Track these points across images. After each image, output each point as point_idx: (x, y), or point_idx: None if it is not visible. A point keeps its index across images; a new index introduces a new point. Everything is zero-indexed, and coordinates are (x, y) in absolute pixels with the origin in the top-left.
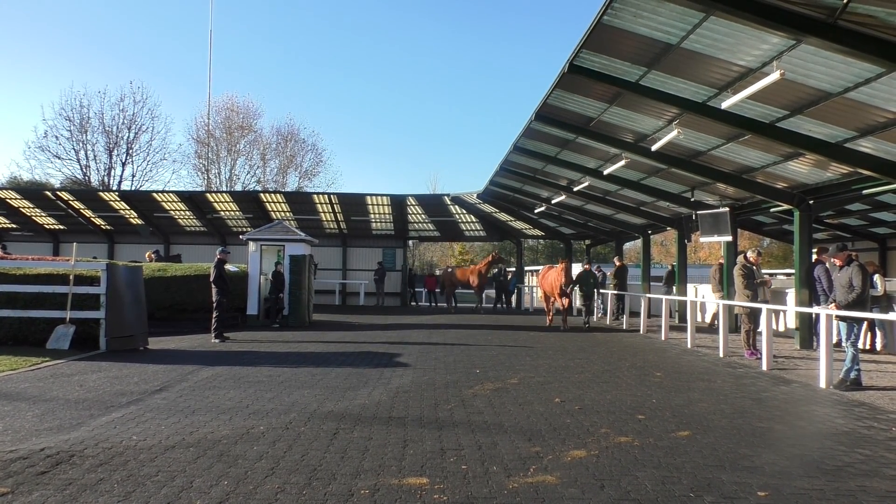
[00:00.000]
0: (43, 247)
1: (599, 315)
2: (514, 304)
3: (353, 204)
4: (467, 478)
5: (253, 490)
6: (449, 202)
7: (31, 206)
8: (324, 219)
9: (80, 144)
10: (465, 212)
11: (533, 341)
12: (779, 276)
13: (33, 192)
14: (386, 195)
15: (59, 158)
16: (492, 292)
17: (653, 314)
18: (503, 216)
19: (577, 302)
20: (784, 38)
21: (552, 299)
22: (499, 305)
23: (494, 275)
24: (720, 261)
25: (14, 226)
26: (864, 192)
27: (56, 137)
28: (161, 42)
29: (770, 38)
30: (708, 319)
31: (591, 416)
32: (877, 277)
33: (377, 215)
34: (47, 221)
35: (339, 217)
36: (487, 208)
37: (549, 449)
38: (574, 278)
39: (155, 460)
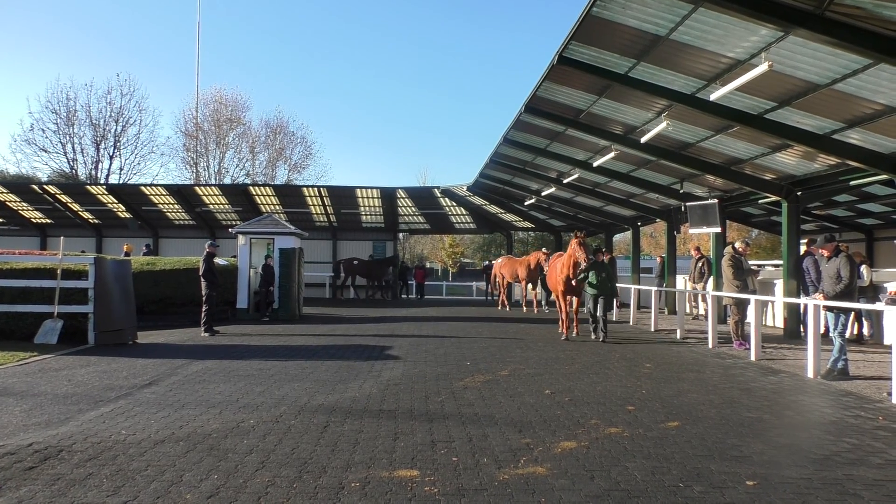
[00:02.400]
0: (30, 241)
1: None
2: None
3: (342, 197)
4: (458, 470)
5: (243, 483)
6: (439, 195)
7: (18, 199)
8: (313, 212)
9: (67, 138)
10: (455, 204)
11: (523, 333)
12: (767, 267)
13: (20, 185)
14: (376, 188)
15: (45, 152)
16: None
17: (642, 306)
18: (493, 208)
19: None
20: (772, 30)
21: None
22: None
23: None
24: (695, 253)
25: (0, 220)
26: (852, 183)
27: (42, 131)
28: (148, 33)
29: (758, 30)
30: (696, 311)
31: (582, 407)
32: (863, 268)
33: (367, 208)
34: (34, 215)
35: (329, 210)
36: (478, 201)
37: (539, 440)
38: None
39: (144, 455)
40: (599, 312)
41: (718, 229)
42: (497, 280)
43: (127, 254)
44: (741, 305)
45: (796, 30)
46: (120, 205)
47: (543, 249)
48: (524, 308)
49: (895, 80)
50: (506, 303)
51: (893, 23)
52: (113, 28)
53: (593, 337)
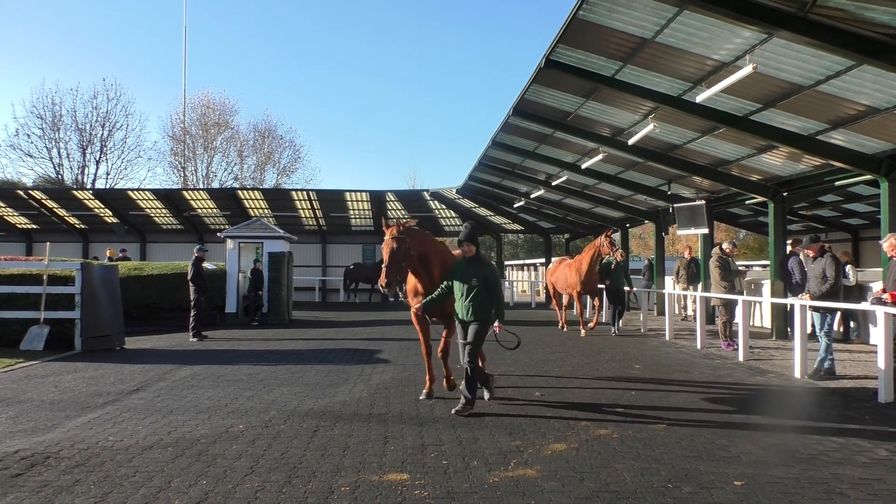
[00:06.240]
0: (16, 246)
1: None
2: None
3: (331, 200)
4: (448, 473)
5: (232, 489)
6: (428, 197)
7: (3, 205)
8: (302, 215)
9: (53, 142)
10: (444, 207)
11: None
12: (754, 268)
13: (5, 191)
14: (365, 191)
15: (31, 157)
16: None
17: (631, 307)
18: (483, 211)
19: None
20: (756, 32)
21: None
22: (617, 324)
23: (603, 266)
24: (686, 254)
25: None
26: (837, 183)
27: (28, 136)
28: (134, 38)
29: (743, 32)
30: (684, 312)
31: (571, 409)
32: (849, 268)
33: (356, 211)
34: (20, 221)
35: (318, 213)
36: (467, 203)
37: (529, 443)
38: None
39: (132, 461)
40: (465, 359)
41: (706, 230)
42: (551, 292)
43: (110, 259)
44: (729, 306)
45: (780, 32)
46: (107, 210)
47: (609, 231)
48: (581, 330)
49: (878, 81)
50: (564, 323)
51: (876, 24)
52: (99, 33)
53: (454, 410)
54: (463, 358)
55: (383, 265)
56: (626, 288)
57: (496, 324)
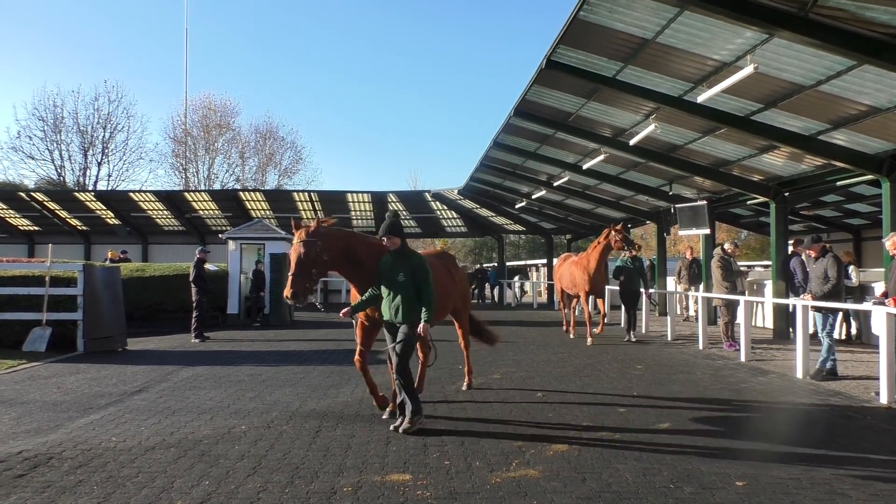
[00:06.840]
0: (18, 248)
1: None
2: (496, 299)
3: (333, 201)
4: (450, 473)
5: (234, 490)
6: (430, 198)
7: (5, 207)
8: (304, 217)
9: (55, 144)
10: (446, 208)
11: (515, 336)
12: (756, 269)
13: (7, 193)
14: (367, 192)
15: (32, 159)
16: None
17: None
18: (484, 212)
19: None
20: (757, 32)
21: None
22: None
23: (620, 268)
24: (688, 254)
25: None
26: (838, 183)
27: (29, 138)
28: (135, 40)
29: (744, 33)
30: (686, 313)
31: (573, 409)
32: (851, 269)
33: (358, 212)
34: (21, 223)
35: (320, 215)
36: (468, 204)
37: (531, 443)
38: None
39: (135, 461)
40: (393, 373)
41: (708, 231)
42: (557, 295)
43: (112, 261)
44: (731, 306)
45: (780, 32)
46: (108, 211)
47: (616, 226)
48: (588, 338)
49: (879, 81)
50: (569, 327)
51: (876, 24)
52: (100, 35)
53: (401, 428)
54: (394, 378)
55: (290, 273)
56: (642, 289)
57: (421, 325)
